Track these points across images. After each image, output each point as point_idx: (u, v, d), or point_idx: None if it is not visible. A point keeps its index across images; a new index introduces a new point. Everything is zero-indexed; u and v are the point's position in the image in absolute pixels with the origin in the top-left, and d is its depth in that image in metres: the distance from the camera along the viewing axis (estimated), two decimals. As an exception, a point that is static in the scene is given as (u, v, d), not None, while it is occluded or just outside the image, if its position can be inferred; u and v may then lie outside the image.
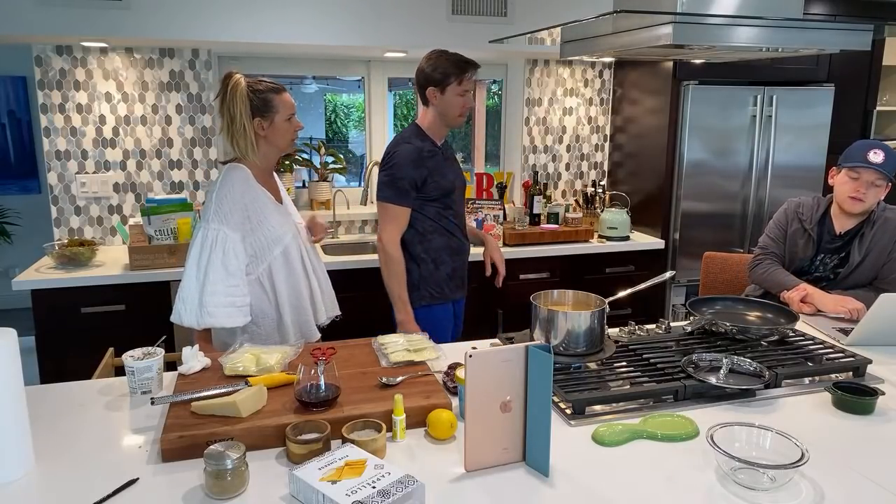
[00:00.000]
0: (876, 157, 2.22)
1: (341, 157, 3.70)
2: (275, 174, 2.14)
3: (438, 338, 2.14)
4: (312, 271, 2.10)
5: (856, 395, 1.53)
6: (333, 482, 1.13)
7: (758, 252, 2.48)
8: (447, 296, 2.38)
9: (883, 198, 2.28)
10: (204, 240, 1.87)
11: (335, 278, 2.30)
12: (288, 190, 3.21)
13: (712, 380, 1.56)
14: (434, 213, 2.31)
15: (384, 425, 1.33)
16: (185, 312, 1.86)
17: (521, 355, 1.28)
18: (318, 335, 2.12)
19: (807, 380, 1.69)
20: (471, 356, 1.24)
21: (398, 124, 5.89)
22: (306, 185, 3.67)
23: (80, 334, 2.72)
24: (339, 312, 2.23)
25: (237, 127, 1.91)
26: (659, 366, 1.69)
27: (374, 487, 1.12)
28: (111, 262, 2.90)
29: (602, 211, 3.60)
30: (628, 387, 1.59)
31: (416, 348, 1.72)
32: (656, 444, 1.38)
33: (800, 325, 2.06)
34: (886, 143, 3.97)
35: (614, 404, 1.53)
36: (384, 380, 1.55)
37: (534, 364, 1.27)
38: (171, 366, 1.81)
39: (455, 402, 1.52)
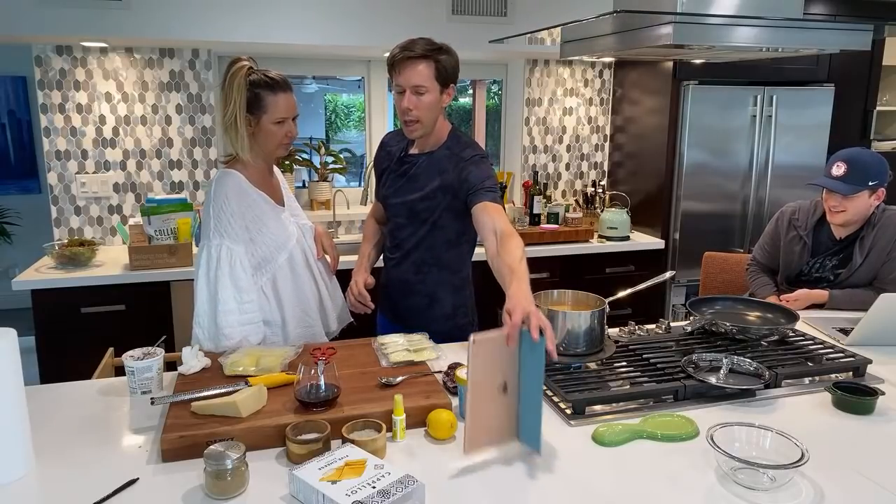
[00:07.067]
0: (837, 170, 2.21)
1: (341, 157, 3.70)
2: (277, 171, 2.05)
3: None
4: (320, 276, 1.99)
5: (856, 395, 1.53)
6: (333, 482, 1.13)
7: (748, 262, 2.56)
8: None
9: (879, 202, 2.26)
10: (209, 259, 1.77)
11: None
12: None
13: (712, 380, 1.56)
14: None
15: (384, 425, 1.33)
16: (203, 337, 1.79)
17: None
18: None
19: (807, 380, 1.69)
20: (474, 341, 1.26)
21: (398, 124, 5.87)
22: (306, 185, 3.67)
23: (80, 334, 2.72)
24: (350, 319, 2.12)
25: (228, 119, 1.76)
26: (659, 366, 1.69)
27: (374, 487, 1.12)
28: (111, 262, 2.90)
29: (602, 211, 3.60)
30: (628, 387, 1.59)
31: (416, 348, 1.72)
32: (656, 444, 1.38)
33: (800, 325, 2.06)
34: (881, 143, 3.98)
35: (614, 404, 1.53)
36: (384, 380, 1.55)
37: (526, 343, 1.31)
38: (171, 366, 1.80)
39: (455, 402, 1.52)
